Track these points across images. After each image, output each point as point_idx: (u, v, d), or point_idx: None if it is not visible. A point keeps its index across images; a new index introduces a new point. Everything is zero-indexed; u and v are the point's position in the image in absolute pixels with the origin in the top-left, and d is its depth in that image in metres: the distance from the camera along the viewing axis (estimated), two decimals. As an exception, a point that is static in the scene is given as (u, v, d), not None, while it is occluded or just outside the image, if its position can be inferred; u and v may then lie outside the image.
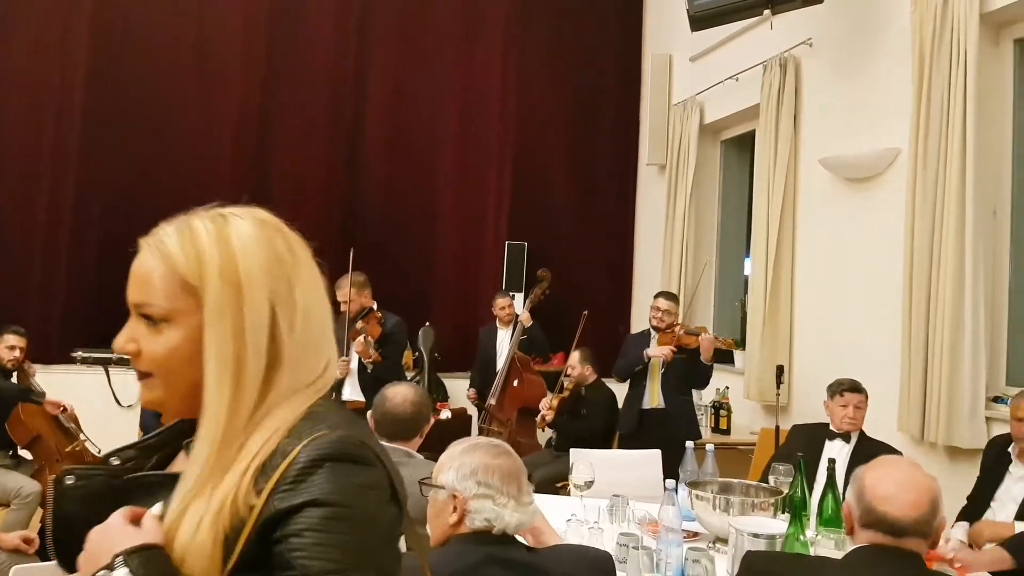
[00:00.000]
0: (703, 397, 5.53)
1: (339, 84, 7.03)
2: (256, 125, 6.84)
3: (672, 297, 5.07)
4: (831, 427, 3.68)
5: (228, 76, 6.77)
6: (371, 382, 4.71)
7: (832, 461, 2.83)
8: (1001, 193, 4.01)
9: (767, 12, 4.85)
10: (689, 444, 3.19)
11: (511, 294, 6.38)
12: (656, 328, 4.88)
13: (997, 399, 3.89)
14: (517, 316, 6.08)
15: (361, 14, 7.08)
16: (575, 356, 5.20)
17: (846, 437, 3.66)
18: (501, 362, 5.98)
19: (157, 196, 6.54)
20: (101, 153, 6.37)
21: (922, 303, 4.03)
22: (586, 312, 5.38)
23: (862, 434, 3.72)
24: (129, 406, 5.91)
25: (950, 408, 3.83)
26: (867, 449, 3.44)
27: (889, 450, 3.60)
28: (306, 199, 6.88)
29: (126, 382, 6.06)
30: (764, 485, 2.94)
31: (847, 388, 3.75)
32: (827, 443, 3.60)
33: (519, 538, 1.85)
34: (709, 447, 3.16)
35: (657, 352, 4.78)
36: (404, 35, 7.18)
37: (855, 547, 1.72)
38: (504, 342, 6.07)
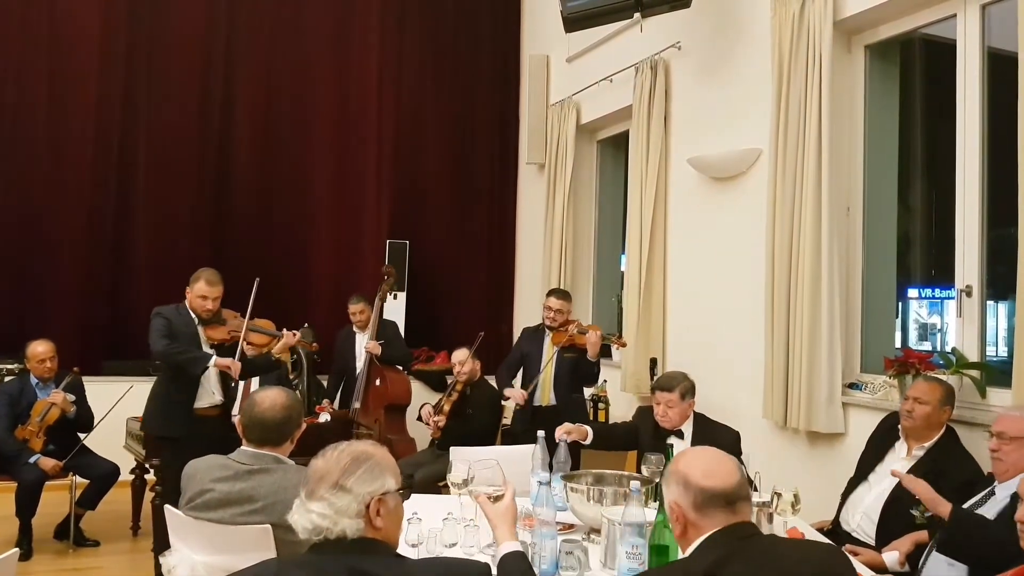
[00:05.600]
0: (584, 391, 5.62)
1: (208, 79, 6.78)
2: (119, 122, 6.51)
3: (563, 295, 5.02)
4: None
5: (85, 71, 6.42)
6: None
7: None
8: (854, 191, 4.25)
9: (638, 15, 4.98)
10: (563, 437, 3.22)
11: (362, 299, 6.02)
12: (549, 327, 4.89)
13: (853, 385, 4.12)
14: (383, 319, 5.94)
15: (230, 7, 6.85)
16: (462, 353, 5.12)
17: (679, 434, 3.58)
18: (360, 365, 5.85)
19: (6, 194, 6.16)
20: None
21: (783, 296, 4.23)
22: (482, 332, 5.34)
23: (699, 422, 3.64)
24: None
25: (810, 395, 4.02)
26: (705, 438, 3.37)
27: (726, 430, 3.64)
28: (174, 199, 6.60)
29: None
30: (636, 475, 3.00)
31: (655, 386, 3.67)
32: (667, 440, 3.53)
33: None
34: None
35: (511, 394, 4.89)
36: (276, 32, 6.99)
37: (702, 539, 1.75)
38: (362, 346, 5.88)
